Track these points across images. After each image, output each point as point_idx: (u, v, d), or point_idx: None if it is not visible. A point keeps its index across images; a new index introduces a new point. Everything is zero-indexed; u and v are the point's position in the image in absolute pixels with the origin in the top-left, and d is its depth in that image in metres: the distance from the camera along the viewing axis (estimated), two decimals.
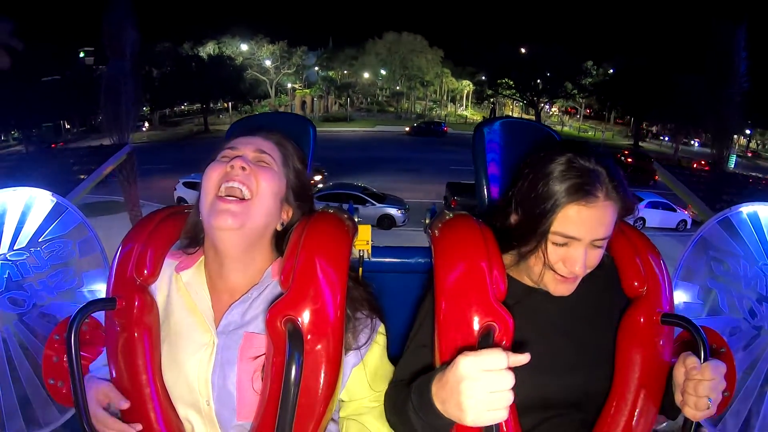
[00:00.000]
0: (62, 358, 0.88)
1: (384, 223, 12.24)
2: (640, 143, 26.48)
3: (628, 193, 0.80)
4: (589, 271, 0.82)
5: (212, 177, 0.80)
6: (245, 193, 0.79)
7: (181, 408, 0.81)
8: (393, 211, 12.42)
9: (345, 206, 1.03)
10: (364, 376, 0.85)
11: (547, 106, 38.39)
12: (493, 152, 1.09)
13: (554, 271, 0.81)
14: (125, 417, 0.79)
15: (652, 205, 13.84)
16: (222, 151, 0.85)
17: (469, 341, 0.73)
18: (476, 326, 0.73)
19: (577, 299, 0.88)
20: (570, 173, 0.77)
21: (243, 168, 0.79)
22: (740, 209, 1.30)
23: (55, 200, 1.34)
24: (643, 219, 13.56)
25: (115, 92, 8.48)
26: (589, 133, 34.17)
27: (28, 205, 1.32)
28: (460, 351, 0.73)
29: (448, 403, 0.64)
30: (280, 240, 0.86)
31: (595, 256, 0.81)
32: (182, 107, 34.15)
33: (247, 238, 0.81)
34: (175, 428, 0.80)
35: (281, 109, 34.17)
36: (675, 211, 13.91)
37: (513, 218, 0.86)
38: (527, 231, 0.81)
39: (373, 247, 1.17)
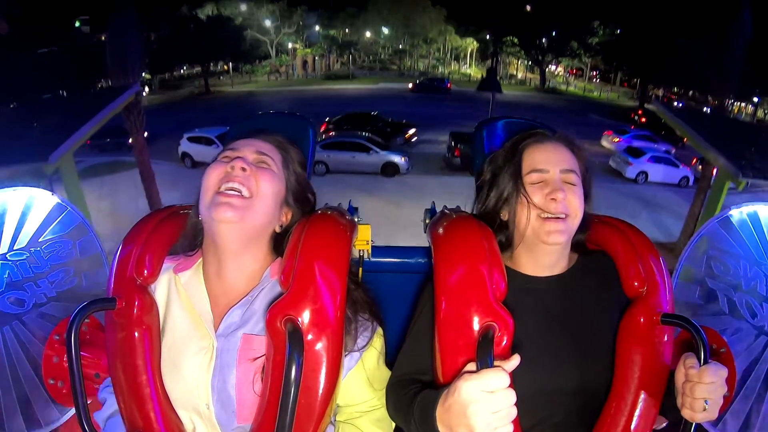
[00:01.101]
0: (62, 358, 0.89)
1: (388, 170, 12.49)
2: (645, 105, 25.40)
3: (579, 145, 0.94)
4: (574, 220, 0.87)
5: (212, 176, 0.80)
6: (245, 193, 0.79)
7: (181, 411, 0.81)
8: (397, 159, 12.64)
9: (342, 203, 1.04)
10: (363, 378, 0.86)
11: (553, 67, 37.57)
12: (493, 152, 1.09)
13: (541, 209, 0.86)
14: (126, 417, 0.79)
15: (655, 160, 13.93)
16: (223, 153, 0.85)
17: (469, 341, 0.73)
18: (476, 326, 0.74)
19: (576, 292, 0.89)
20: (522, 135, 0.95)
21: (243, 169, 0.80)
22: (740, 209, 1.30)
23: (55, 200, 1.34)
24: (645, 173, 13.71)
25: (120, 39, 8.40)
26: (595, 94, 33.55)
27: (28, 205, 1.32)
28: (461, 351, 0.74)
29: (455, 427, 0.66)
30: (278, 242, 0.86)
31: (574, 197, 0.86)
32: (182, 71, 33.17)
33: (246, 233, 0.81)
34: (174, 428, 0.80)
35: (282, 69, 33.94)
36: (678, 167, 13.92)
37: (493, 195, 0.94)
38: (505, 185, 0.92)
39: (373, 247, 1.17)
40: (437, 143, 15.12)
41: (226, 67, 34.42)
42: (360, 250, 1.14)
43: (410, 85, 29.46)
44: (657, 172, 13.82)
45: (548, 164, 0.88)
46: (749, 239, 1.27)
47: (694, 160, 13.35)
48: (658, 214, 11.53)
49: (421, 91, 28.00)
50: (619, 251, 0.89)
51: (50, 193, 1.35)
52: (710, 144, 5.90)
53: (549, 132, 0.95)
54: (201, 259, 0.87)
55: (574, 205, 0.86)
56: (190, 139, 13.33)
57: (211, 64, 30.88)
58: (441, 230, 0.87)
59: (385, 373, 0.91)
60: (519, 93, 30.61)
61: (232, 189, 0.79)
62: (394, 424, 0.89)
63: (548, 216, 0.86)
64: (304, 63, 36.47)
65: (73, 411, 0.75)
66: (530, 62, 36.02)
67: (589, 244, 0.97)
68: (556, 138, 0.93)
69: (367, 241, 1.14)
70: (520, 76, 39.50)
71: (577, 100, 30.17)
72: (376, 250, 1.19)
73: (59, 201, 1.34)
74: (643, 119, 21.44)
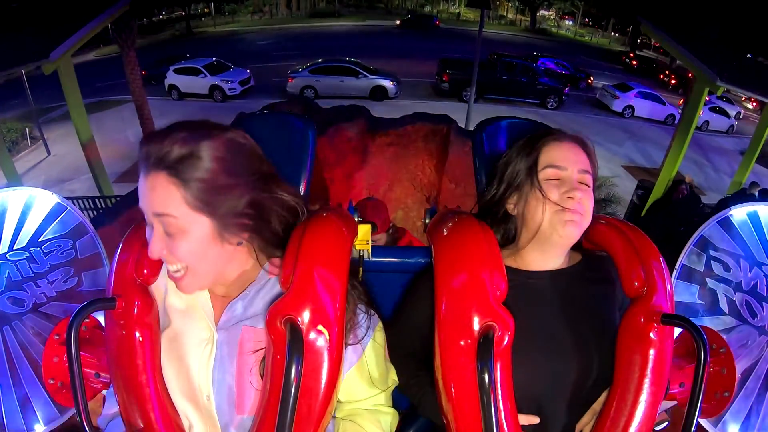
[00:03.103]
0: (62, 358, 0.88)
1: (376, 94, 12.77)
2: (638, 52, 25.90)
3: (593, 149, 0.94)
4: (586, 220, 0.87)
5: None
6: (181, 269, 0.75)
7: (180, 404, 0.81)
8: (385, 83, 12.90)
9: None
10: (365, 373, 0.85)
11: (544, 11, 36.97)
12: (493, 153, 1.10)
13: (556, 204, 0.86)
14: (125, 417, 0.79)
15: (643, 96, 14.16)
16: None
17: (469, 342, 0.73)
18: (476, 327, 0.74)
19: (578, 287, 0.89)
20: (541, 132, 0.94)
21: (161, 252, 0.73)
22: (740, 209, 1.30)
23: (55, 200, 1.34)
24: (632, 107, 14.01)
25: None
26: (586, 38, 33.43)
27: (27, 205, 1.32)
28: (461, 351, 0.74)
29: None
30: (263, 241, 0.82)
31: (589, 200, 0.87)
32: (161, 15, 31.38)
33: (210, 284, 0.80)
34: (175, 428, 0.80)
35: (266, 9, 32.71)
36: (664, 104, 14.11)
37: (505, 179, 0.94)
38: (519, 171, 0.91)
39: (373, 247, 1.17)
40: (425, 75, 15.35)
41: (207, 9, 33.10)
42: (360, 250, 1.14)
43: (397, 22, 28.69)
44: (643, 108, 14.06)
45: (566, 162, 0.88)
46: (749, 239, 1.27)
47: (681, 101, 13.49)
48: (643, 144, 11.96)
49: (409, 28, 27.39)
50: (619, 251, 0.89)
51: (50, 192, 1.35)
52: (689, 52, 5.97)
53: (568, 132, 0.94)
54: None
55: (587, 207, 0.87)
56: (177, 71, 13.41)
57: (192, 5, 29.22)
58: (442, 231, 0.87)
59: (389, 370, 0.91)
60: (509, 33, 30.54)
61: (172, 270, 0.76)
62: (395, 426, 0.90)
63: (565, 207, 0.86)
64: (288, 1, 35.02)
65: (73, 411, 0.74)
66: (520, 2, 34.96)
67: (587, 243, 0.97)
68: (574, 138, 0.92)
69: (367, 241, 1.14)
70: (510, 16, 38.84)
71: (567, 42, 30.09)
72: (376, 250, 1.19)
73: (59, 201, 1.34)
74: (634, 62, 22.10)
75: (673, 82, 19.89)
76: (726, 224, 1.29)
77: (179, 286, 0.77)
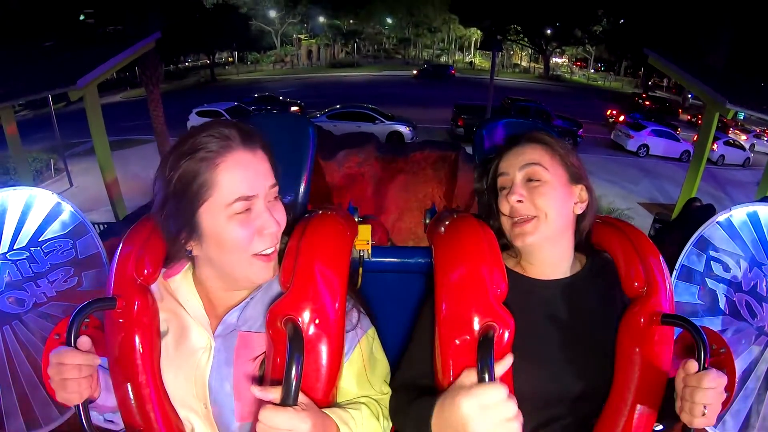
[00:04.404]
0: None
1: (393, 139, 12.81)
2: (650, 93, 26.62)
3: (554, 141, 0.91)
4: (546, 219, 0.86)
5: (241, 239, 0.74)
6: (277, 247, 0.79)
7: (180, 409, 0.81)
8: (402, 128, 13.06)
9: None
10: (354, 371, 0.83)
11: (558, 59, 37.85)
12: (493, 150, 1.10)
13: (506, 215, 0.88)
14: (125, 417, 0.79)
15: (657, 134, 14.19)
16: (233, 204, 0.73)
17: (469, 341, 0.73)
18: (476, 326, 0.74)
19: (584, 296, 0.89)
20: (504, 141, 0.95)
21: (277, 223, 0.76)
22: (740, 209, 1.30)
23: (55, 199, 1.34)
24: (646, 146, 14.02)
25: None
26: (599, 82, 34.22)
27: (28, 205, 1.32)
28: (461, 351, 0.74)
29: None
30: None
31: (539, 196, 0.85)
32: (187, 63, 33.32)
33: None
34: (174, 428, 0.80)
35: (287, 59, 34.41)
36: (679, 141, 14.18)
37: (482, 206, 0.97)
38: (488, 196, 0.94)
39: (373, 247, 1.17)
40: (440, 121, 15.66)
41: (231, 58, 34.86)
42: (360, 250, 1.14)
43: (414, 72, 29.61)
44: (658, 146, 14.07)
45: (509, 168, 0.89)
46: (749, 239, 1.27)
47: (696, 137, 13.63)
48: (659, 181, 11.97)
49: (426, 78, 28.17)
50: (619, 251, 0.89)
51: (50, 192, 1.35)
52: (697, 79, 6.00)
53: (525, 136, 0.92)
54: (189, 264, 0.85)
55: (539, 205, 0.86)
56: (200, 114, 13.67)
57: (216, 54, 30.86)
58: (441, 230, 0.87)
59: (376, 374, 0.88)
60: (523, 80, 31.36)
61: (269, 249, 0.77)
62: (378, 423, 0.87)
63: (516, 220, 0.87)
64: (309, 53, 36.75)
65: (73, 411, 0.74)
66: (534, 51, 35.90)
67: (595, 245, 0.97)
68: (525, 138, 0.91)
69: (367, 241, 1.14)
70: (524, 64, 39.81)
71: (581, 87, 30.93)
72: (376, 250, 1.19)
73: (59, 200, 1.34)
74: (647, 102, 22.77)
75: (701, 122, 20.18)
76: (726, 224, 1.29)
77: (271, 270, 0.78)
